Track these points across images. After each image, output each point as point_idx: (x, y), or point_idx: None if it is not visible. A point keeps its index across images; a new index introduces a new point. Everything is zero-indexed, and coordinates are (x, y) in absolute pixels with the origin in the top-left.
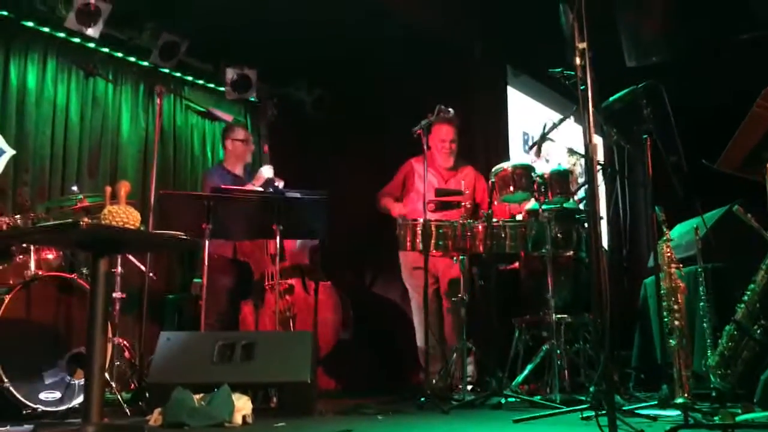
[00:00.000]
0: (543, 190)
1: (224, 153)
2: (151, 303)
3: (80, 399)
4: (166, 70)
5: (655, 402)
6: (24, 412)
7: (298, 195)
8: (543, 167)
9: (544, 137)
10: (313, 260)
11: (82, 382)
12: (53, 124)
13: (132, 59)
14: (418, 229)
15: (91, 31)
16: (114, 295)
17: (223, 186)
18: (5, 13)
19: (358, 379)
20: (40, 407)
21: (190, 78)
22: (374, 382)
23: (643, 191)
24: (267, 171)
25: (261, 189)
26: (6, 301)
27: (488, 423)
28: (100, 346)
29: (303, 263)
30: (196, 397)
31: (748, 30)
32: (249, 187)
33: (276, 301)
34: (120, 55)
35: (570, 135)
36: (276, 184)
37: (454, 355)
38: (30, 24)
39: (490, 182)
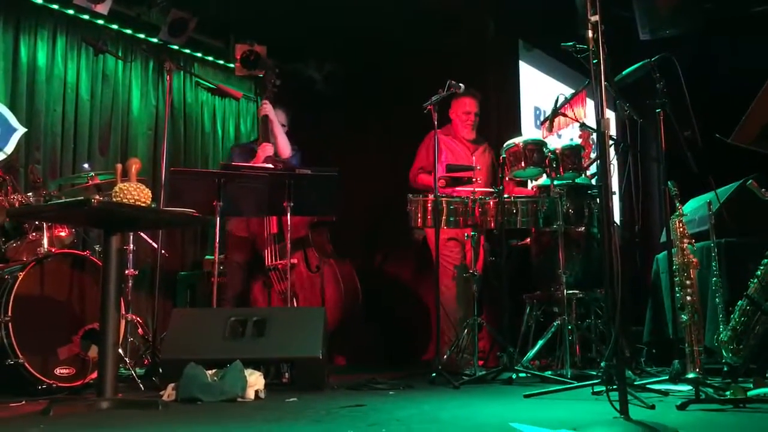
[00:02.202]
0: (555, 165)
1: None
2: (163, 280)
3: (94, 374)
4: (176, 47)
5: (667, 377)
6: (39, 387)
7: (308, 172)
8: (555, 142)
9: (555, 112)
10: (312, 231)
11: (97, 358)
12: (64, 101)
13: (141, 36)
14: (429, 205)
15: (100, 8)
16: (126, 272)
17: (234, 163)
18: None
19: (369, 355)
20: (55, 383)
21: (199, 54)
22: (385, 358)
23: (656, 166)
24: (263, 150)
25: (270, 166)
26: (20, 278)
27: (499, 398)
28: (114, 322)
29: (303, 235)
30: (209, 372)
31: (762, 3)
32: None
33: (274, 282)
34: (129, 31)
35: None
36: (285, 158)
37: (465, 330)
38: (39, 1)
39: (501, 158)
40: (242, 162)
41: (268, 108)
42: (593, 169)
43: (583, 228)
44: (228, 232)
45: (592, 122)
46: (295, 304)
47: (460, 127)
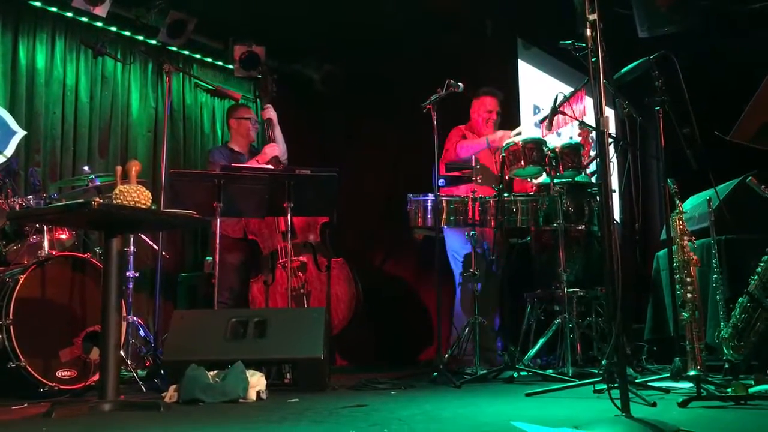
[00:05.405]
0: (554, 163)
1: (230, 132)
2: (164, 282)
3: (96, 377)
4: (175, 49)
5: (668, 374)
6: (41, 390)
7: (308, 172)
8: (554, 141)
9: (554, 110)
10: (323, 237)
11: (98, 360)
12: (63, 104)
13: (140, 38)
14: (429, 205)
15: (98, 10)
16: (127, 274)
17: (232, 164)
18: None
19: (370, 355)
20: (57, 385)
21: (198, 56)
22: (386, 358)
23: (655, 163)
24: (271, 150)
25: (270, 167)
26: (21, 280)
27: (501, 397)
28: (115, 324)
29: (314, 240)
30: (211, 373)
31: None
32: (253, 164)
33: (288, 278)
34: (128, 33)
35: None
36: (282, 161)
37: (466, 330)
38: (37, 4)
39: (500, 156)
40: (225, 162)
41: (271, 112)
42: (593, 167)
43: (583, 226)
44: (220, 234)
45: (591, 120)
46: (306, 302)
47: (482, 126)
